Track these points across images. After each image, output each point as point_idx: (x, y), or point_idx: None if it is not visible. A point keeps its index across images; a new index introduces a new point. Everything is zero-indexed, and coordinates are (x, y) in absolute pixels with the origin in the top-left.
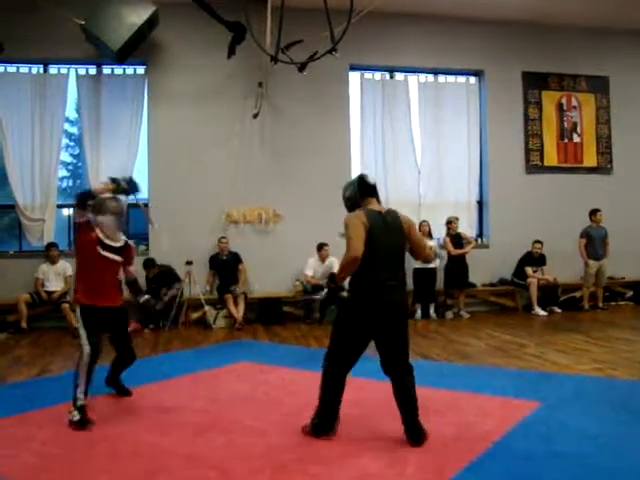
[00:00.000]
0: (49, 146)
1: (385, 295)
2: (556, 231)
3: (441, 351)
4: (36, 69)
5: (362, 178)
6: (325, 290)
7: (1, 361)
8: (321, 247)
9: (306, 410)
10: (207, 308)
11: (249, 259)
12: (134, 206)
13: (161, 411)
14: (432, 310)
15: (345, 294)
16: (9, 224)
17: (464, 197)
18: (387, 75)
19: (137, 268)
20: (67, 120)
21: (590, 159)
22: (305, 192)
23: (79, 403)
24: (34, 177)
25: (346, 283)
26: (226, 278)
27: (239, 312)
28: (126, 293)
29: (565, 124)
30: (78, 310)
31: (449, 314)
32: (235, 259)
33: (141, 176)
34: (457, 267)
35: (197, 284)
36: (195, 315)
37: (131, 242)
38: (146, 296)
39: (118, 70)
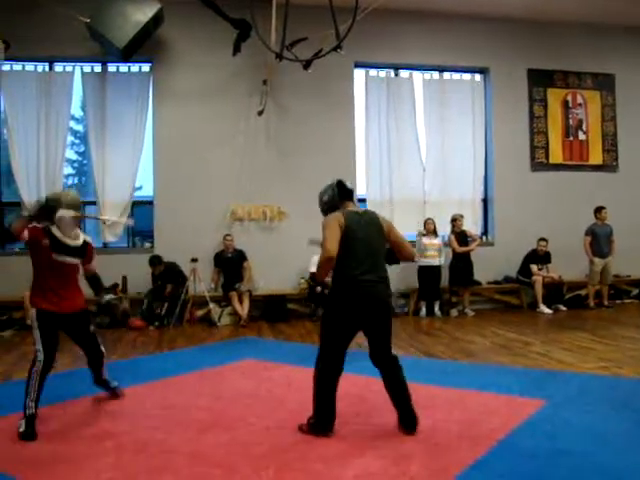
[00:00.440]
0: (54, 144)
1: (364, 290)
2: (561, 229)
3: (446, 349)
4: (42, 67)
5: (341, 182)
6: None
7: (7, 358)
8: None
9: (310, 408)
10: (212, 305)
11: (254, 256)
12: (139, 204)
13: (165, 408)
14: (437, 308)
15: (327, 292)
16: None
17: (469, 194)
18: (392, 72)
19: (142, 264)
20: (72, 118)
21: (595, 157)
22: (310, 189)
23: (28, 412)
24: (39, 174)
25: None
26: (231, 275)
27: (244, 309)
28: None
29: (570, 121)
30: (34, 312)
31: (454, 312)
32: (240, 256)
33: (146, 173)
34: (462, 265)
35: (202, 281)
36: (200, 312)
37: (90, 240)
38: (108, 296)
39: (123, 68)
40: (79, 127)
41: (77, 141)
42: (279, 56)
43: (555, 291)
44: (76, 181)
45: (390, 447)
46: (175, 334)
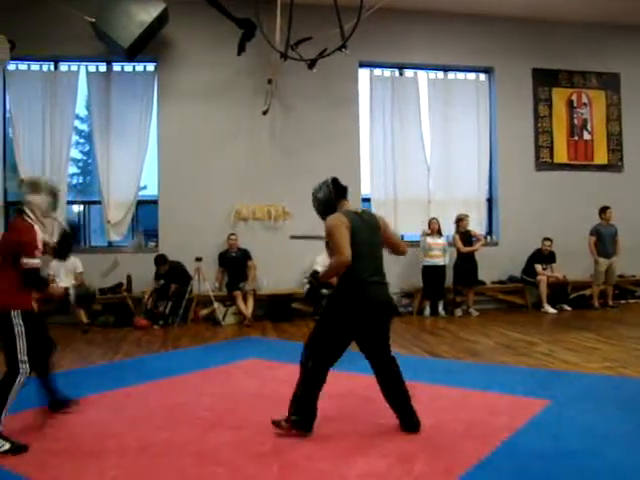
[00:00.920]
0: (59, 143)
1: (373, 293)
2: (566, 228)
3: (450, 348)
4: (47, 66)
5: (336, 180)
6: (307, 287)
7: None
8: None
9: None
10: (216, 305)
11: (258, 256)
12: (144, 203)
13: (170, 407)
14: (441, 307)
15: (326, 291)
16: None
17: (473, 194)
18: (397, 72)
19: (147, 264)
20: (77, 117)
21: (600, 156)
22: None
23: (0, 429)
24: (44, 174)
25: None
26: (235, 275)
27: (248, 309)
28: None
29: (575, 121)
30: (19, 316)
31: (458, 311)
32: (244, 256)
33: (151, 173)
34: (466, 264)
35: (206, 281)
36: (204, 312)
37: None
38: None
39: (128, 67)
40: (84, 126)
41: (82, 140)
42: (284, 56)
43: (560, 291)
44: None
45: (394, 447)
46: (179, 333)
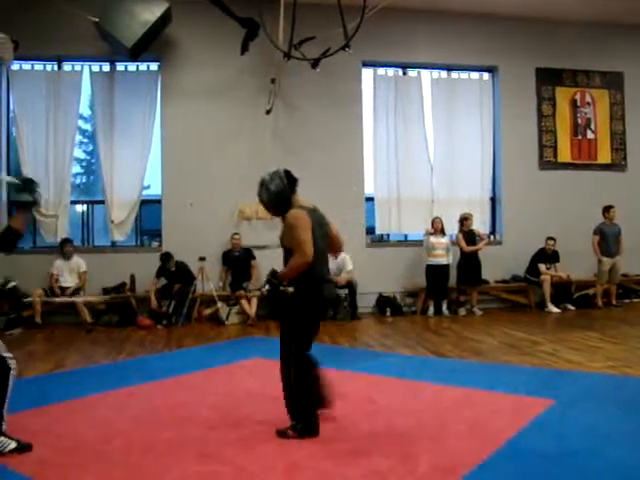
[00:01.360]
0: (63, 143)
1: (327, 290)
2: (569, 228)
3: (454, 348)
4: (50, 66)
5: (288, 171)
6: (267, 286)
7: (16, 356)
8: None
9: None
10: (220, 304)
11: (261, 255)
12: (147, 203)
13: (173, 407)
14: (444, 307)
15: (289, 290)
16: None
17: (477, 194)
18: (400, 71)
19: (150, 263)
20: (81, 117)
21: (604, 155)
22: (317, 188)
23: (4, 427)
24: (48, 173)
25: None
26: (239, 274)
27: (252, 308)
28: None
29: (579, 120)
30: None
31: (462, 311)
32: (247, 255)
33: (154, 172)
34: (470, 264)
35: (210, 280)
36: (208, 311)
37: None
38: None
39: (131, 67)
40: (87, 126)
41: (85, 140)
42: (287, 55)
43: (563, 290)
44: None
45: (398, 446)
46: (183, 333)
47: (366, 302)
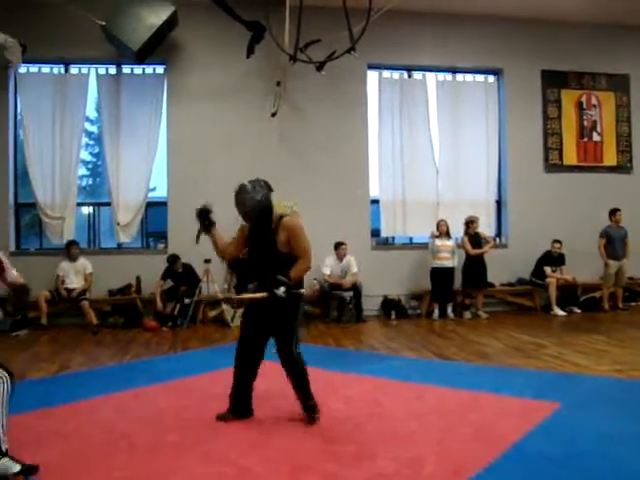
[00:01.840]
0: (69, 145)
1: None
2: (575, 230)
3: (459, 351)
4: (57, 69)
5: (267, 181)
6: (282, 289)
7: (22, 357)
8: (338, 246)
9: (323, 408)
10: (225, 306)
11: None
12: (153, 205)
13: (179, 409)
14: (450, 310)
15: (302, 291)
16: (30, 222)
17: (482, 196)
18: (405, 74)
19: (156, 265)
20: (87, 119)
21: (610, 158)
22: (323, 191)
23: (4, 447)
24: (54, 175)
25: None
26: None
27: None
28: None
29: (585, 123)
30: None
31: (467, 314)
32: None
33: (160, 174)
34: (475, 266)
35: (215, 282)
36: (213, 313)
37: None
38: None
39: (138, 70)
40: (93, 128)
41: (92, 142)
42: (293, 58)
43: (569, 293)
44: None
45: (403, 449)
46: (188, 335)
47: (371, 305)
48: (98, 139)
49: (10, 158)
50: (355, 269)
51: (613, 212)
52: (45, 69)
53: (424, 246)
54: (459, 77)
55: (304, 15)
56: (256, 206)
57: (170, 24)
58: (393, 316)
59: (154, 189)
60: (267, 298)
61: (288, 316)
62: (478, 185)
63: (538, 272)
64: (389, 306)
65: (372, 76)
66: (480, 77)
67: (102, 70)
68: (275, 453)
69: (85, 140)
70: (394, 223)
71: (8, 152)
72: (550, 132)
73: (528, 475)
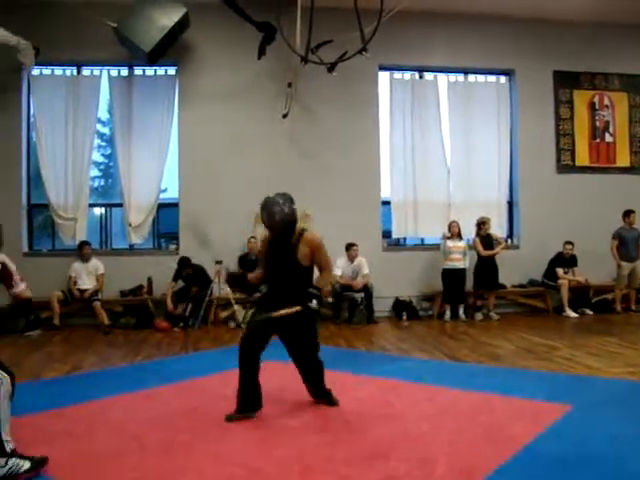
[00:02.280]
0: (82, 146)
1: None
2: (588, 232)
3: (470, 352)
4: (70, 71)
5: (291, 195)
6: (315, 302)
7: (35, 357)
8: (349, 247)
9: (335, 409)
10: (236, 307)
11: None
12: (164, 206)
13: (190, 409)
14: (461, 311)
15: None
16: (43, 223)
17: (494, 197)
18: (416, 75)
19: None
20: (99, 120)
21: (623, 159)
22: (334, 192)
23: (10, 447)
24: (67, 177)
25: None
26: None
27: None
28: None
29: (597, 123)
30: None
31: (478, 315)
32: None
33: (171, 176)
34: (487, 268)
35: (226, 283)
36: (224, 314)
37: (4, 258)
38: None
39: (149, 71)
40: (105, 130)
41: (104, 144)
42: (304, 59)
43: (581, 295)
44: (102, 183)
45: (414, 450)
46: (199, 336)
47: (382, 306)
48: (110, 140)
49: (23, 160)
50: (366, 270)
51: (627, 213)
52: (58, 71)
53: (435, 247)
54: (471, 78)
55: (315, 16)
56: (285, 218)
57: (182, 25)
58: (404, 317)
59: (165, 190)
60: (300, 311)
61: (312, 324)
62: (490, 186)
63: (550, 273)
64: (400, 307)
65: (383, 77)
66: (492, 78)
67: (114, 72)
68: (286, 453)
69: (97, 141)
70: (405, 224)
71: (21, 154)
72: (562, 133)
73: (539, 477)
